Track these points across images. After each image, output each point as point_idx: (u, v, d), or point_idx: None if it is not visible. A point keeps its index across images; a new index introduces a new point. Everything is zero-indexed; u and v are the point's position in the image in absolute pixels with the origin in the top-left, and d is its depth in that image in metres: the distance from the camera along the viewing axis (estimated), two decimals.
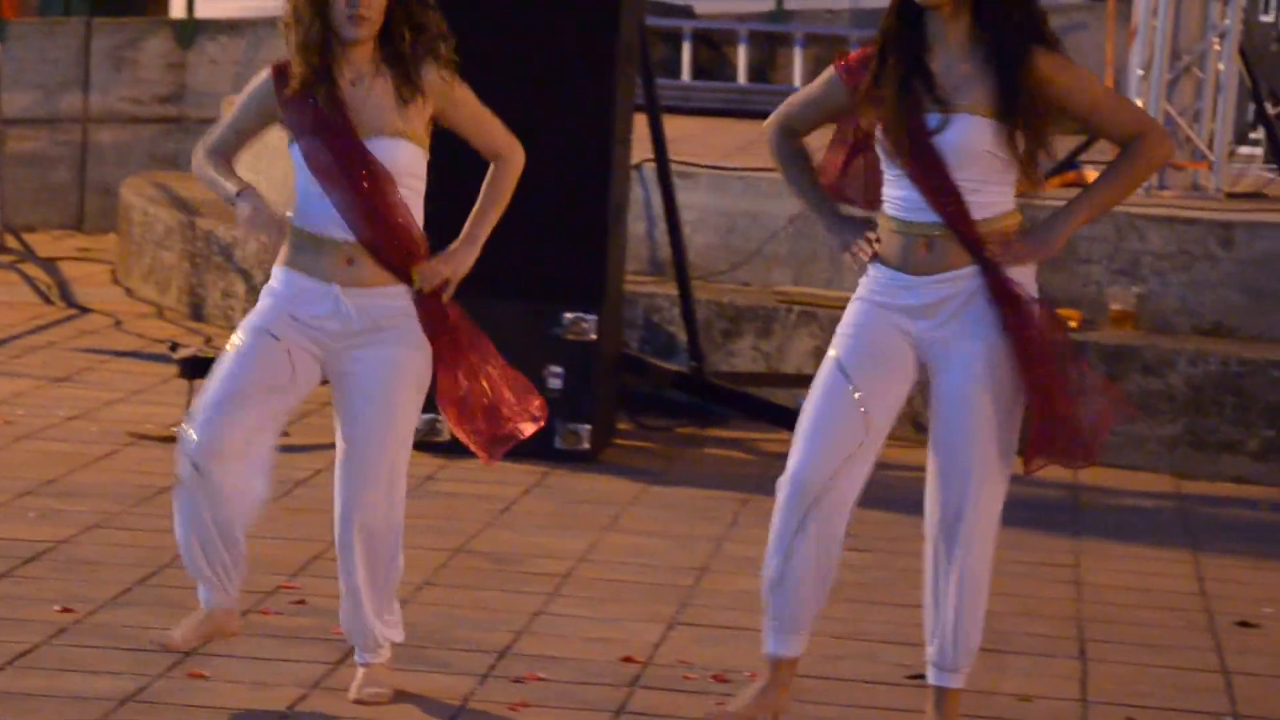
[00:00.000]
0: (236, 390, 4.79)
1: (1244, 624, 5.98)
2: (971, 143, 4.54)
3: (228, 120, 4.93)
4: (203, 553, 4.87)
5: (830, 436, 4.64)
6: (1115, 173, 4.64)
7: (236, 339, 4.86)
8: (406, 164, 4.80)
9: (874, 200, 4.73)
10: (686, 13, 13.01)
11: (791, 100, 4.82)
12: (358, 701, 4.90)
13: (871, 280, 4.68)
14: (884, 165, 4.63)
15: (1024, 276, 4.64)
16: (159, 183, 11.13)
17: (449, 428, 5.48)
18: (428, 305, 4.83)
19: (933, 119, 4.54)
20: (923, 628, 4.77)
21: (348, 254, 4.79)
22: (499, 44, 7.45)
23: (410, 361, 4.84)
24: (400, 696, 4.96)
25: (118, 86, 12.33)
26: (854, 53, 4.71)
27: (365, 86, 4.77)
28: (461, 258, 4.88)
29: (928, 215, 4.58)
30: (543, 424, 4.94)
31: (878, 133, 4.61)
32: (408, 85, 4.77)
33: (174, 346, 9.22)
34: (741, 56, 12.68)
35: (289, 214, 4.86)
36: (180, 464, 4.85)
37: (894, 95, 4.54)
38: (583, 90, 7.49)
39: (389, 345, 4.82)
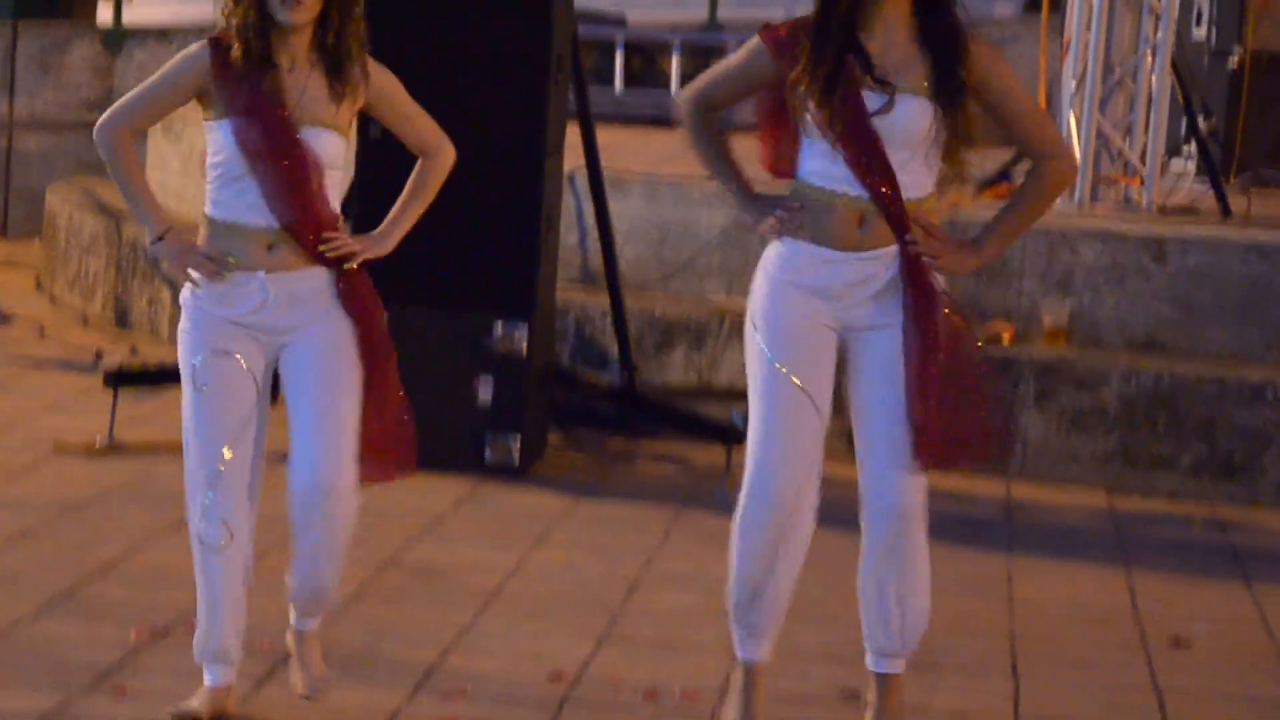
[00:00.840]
0: (221, 437, 4.74)
1: (1176, 641, 5.99)
2: (911, 124, 4.54)
3: (146, 88, 4.82)
4: (231, 621, 4.81)
5: (791, 441, 4.62)
6: (1030, 196, 4.71)
7: (191, 372, 4.76)
8: (333, 155, 4.78)
9: (786, 171, 4.69)
10: (619, 22, 13.00)
11: (710, 73, 4.78)
12: (307, 698, 4.85)
13: (783, 258, 4.64)
14: (806, 139, 4.61)
15: (936, 277, 4.63)
16: (85, 189, 11.04)
17: None
18: (346, 288, 4.79)
19: (874, 98, 4.54)
20: (862, 629, 4.75)
21: (268, 240, 4.76)
22: (432, 53, 7.42)
23: (343, 331, 4.81)
24: (327, 712, 4.91)
25: (44, 91, 12.24)
26: (781, 24, 4.68)
27: (301, 75, 4.76)
28: (375, 242, 4.87)
29: (858, 189, 4.57)
30: (397, 477, 4.89)
31: (807, 106, 4.57)
32: (339, 77, 4.77)
33: (99, 355, 9.15)
34: (674, 66, 12.67)
35: (199, 235, 4.81)
36: (207, 527, 4.76)
37: (831, 73, 4.53)
38: (515, 100, 7.47)
39: (321, 322, 4.80)
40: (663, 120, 11.74)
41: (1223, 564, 6.95)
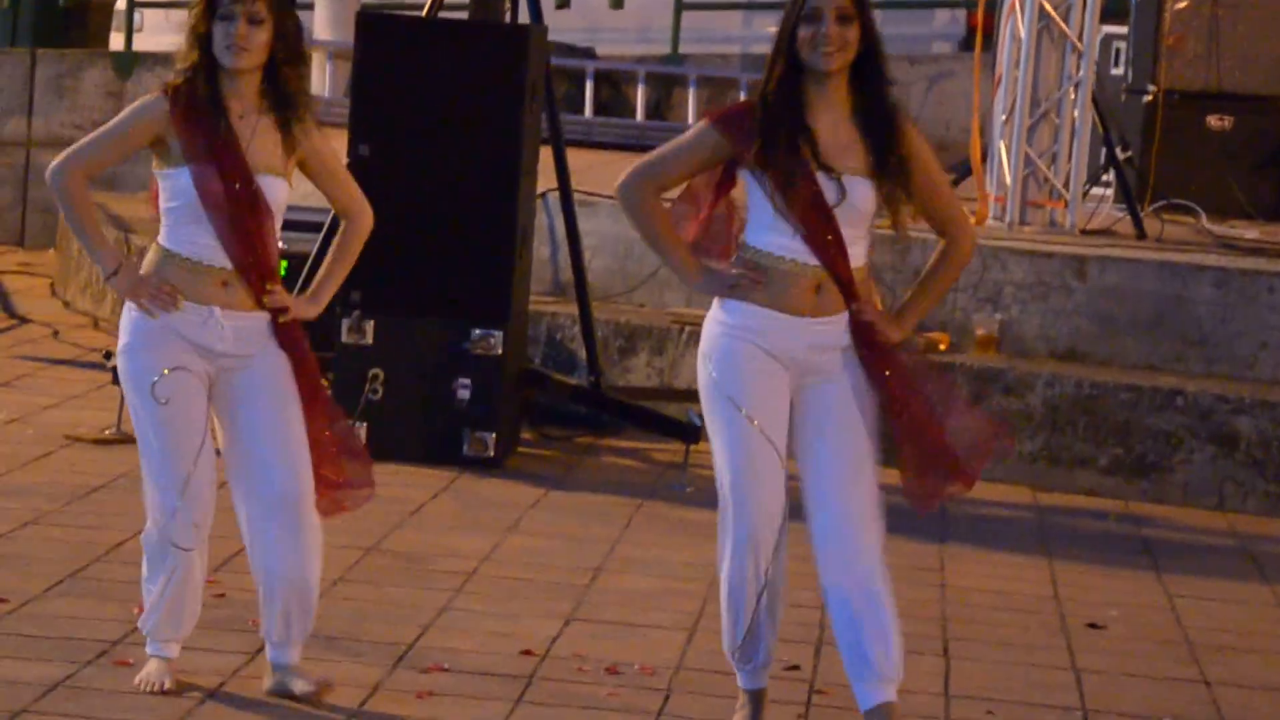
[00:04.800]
0: (186, 446, 4.66)
1: (1093, 625, 5.99)
2: (861, 205, 4.50)
3: (106, 132, 4.71)
4: (185, 607, 4.77)
5: (764, 488, 4.51)
6: (945, 270, 4.65)
7: (152, 386, 4.65)
8: (281, 201, 4.69)
9: (729, 249, 4.60)
10: (589, 54, 12.98)
11: (658, 154, 4.61)
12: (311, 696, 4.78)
13: (739, 319, 4.53)
14: (759, 212, 4.51)
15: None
16: (95, 203, 10.96)
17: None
18: (283, 329, 4.71)
19: (828, 184, 4.47)
20: (848, 676, 4.61)
21: (223, 278, 4.65)
22: (417, 81, 7.41)
23: (285, 366, 4.71)
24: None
25: (59, 113, 12.18)
26: (724, 107, 4.62)
27: (250, 121, 4.64)
28: (306, 304, 4.76)
29: (815, 260, 4.52)
30: (350, 507, 4.80)
31: (765, 189, 4.48)
32: (286, 124, 4.65)
33: (108, 355, 9.09)
34: (639, 95, 12.66)
35: (148, 260, 4.70)
36: (180, 531, 4.69)
37: (787, 160, 4.45)
38: (492, 124, 7.46)
39: (267, 356, 4.71)
40: (629, 145, 11.72)
41: (1135, 555, 6.96)
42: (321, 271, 4.84)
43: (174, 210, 4.67)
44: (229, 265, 4.64)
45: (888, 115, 4.49)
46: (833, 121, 4.50)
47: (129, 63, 12.35)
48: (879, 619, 4.55)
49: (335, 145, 4.87)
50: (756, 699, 4.71)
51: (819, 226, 4.48)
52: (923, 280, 4.70)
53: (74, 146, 4.76)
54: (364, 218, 4.84)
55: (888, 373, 4.53)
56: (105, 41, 13.36)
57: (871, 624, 4.54)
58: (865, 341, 4.55)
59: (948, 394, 4.63)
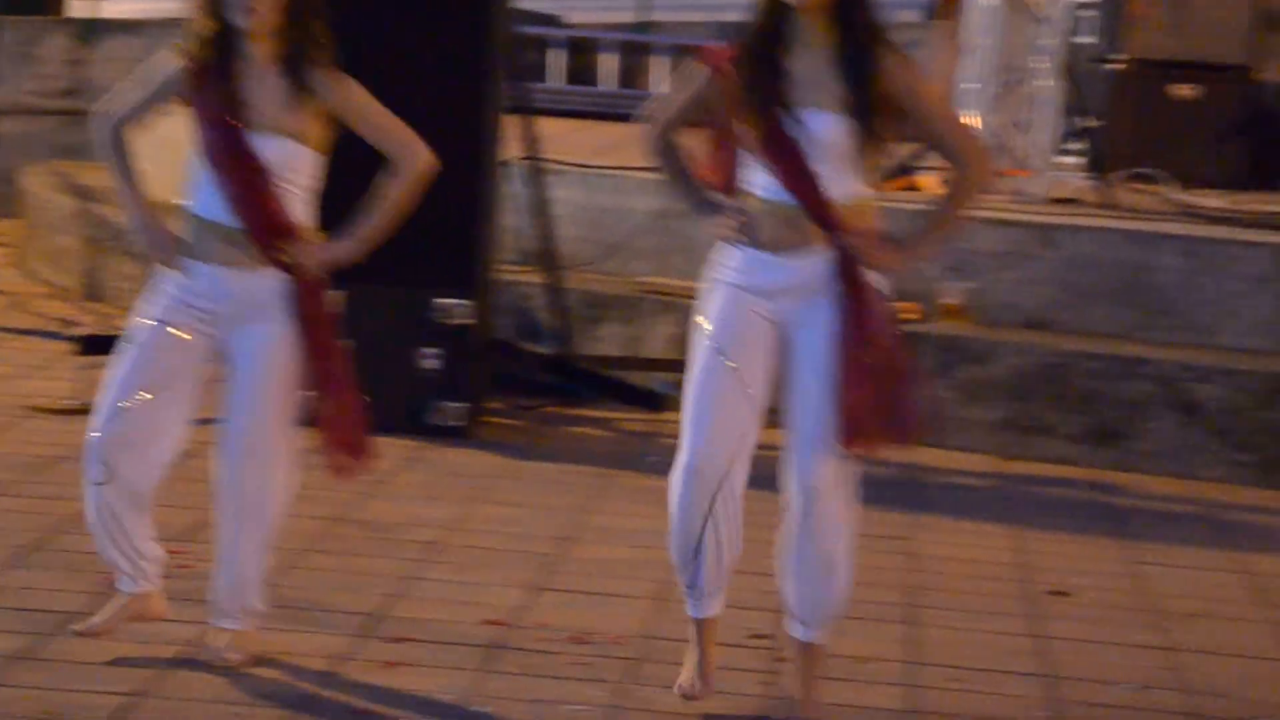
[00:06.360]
0: (136, 383, 4.70)
1: (1057, 592, 6.03)
2: (824, 137, 4.52)
3: (142, 91, 4.75)
4: (113, 543, 4.78)
5: (720, 417, 4.57)
6: (949, 199, 4.67)
7: (132, 331, 4.75)
8: (288, 162, 4.69)
9: (735, 186, 4.68)
10: (558, 22, 12.96)
11: (667, 100, 4.74)
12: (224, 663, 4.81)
13: (731, 261, 4.63)
14: (746, 153, 4.60)
15: (874, 274, 4.62)
16: (59, 171, 10.93)
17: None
18: (300, 291, 4.73)
19: (791, 114, 4.52)
20: (784, 597, 4.69)
21: (226, 235, 4.70)
22: (381, 49, 7.37)
23: (287, 338, 4.75)
24: (280, 654, 4.89)
25: (22, 80, 12.12)
26: (721, 50, 4.66)
27: (260, 82, 4.68)
28: (336, 248, 4.77)
29: (787, 196, 4.55)
30: (358, 469, 4.82)
31: (741, 125, 4.56)
32: (299, 86, 4.67)
33: (71, 323, 9.07)
34: (609, 63, 12.64)
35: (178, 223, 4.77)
36: (88, 460, 4.73)
37: (756, 91, 4.51)
38: (458, 92, 7.44)
39: (267, 322, 4.73)
40: (598, 114, 11.72)
41: (1101, 522, 6.99)
42: (360, 217, 4.78)
43: (193, 168, 4.73)
44: (233, 223, 4.67)
45: (864, 50, 4.50)
46: (810, 58, 4.54)
47: (92, 30, 12.29)
48: (832, 561, 4.58)
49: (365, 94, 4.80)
50: (700, 628, 4.75)
51: (785, 161, 4.52)
52: (937, 210, 4.71)
53: (113, 109, 4.77)
54: (413, 160, 4.78)
55: (863, 315, 4.54)
56: (68, 8, 13.29)
57: (824, 564, 4.59)
58: (848, 278, 4.56)
59: (904, 353, 4.65)
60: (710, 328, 4.61)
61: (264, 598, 4.88)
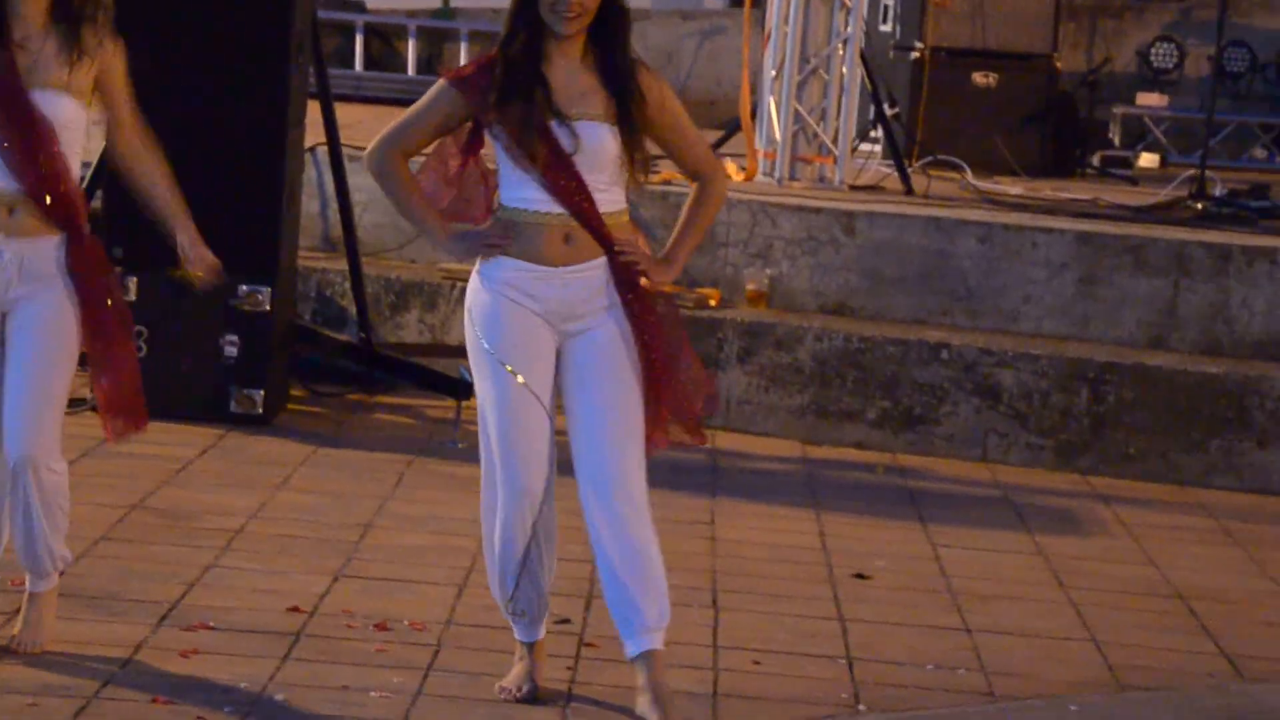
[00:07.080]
0: None
1: (859, 575, 6.10)
2: (599, 147, 4.54)
3: None
4: None
5: (529, 438, 4.56)
6: (700, 211, 4.72)
7: None
8: (67, 118, 4.64)
9: (487, 210, 4.64)
10: (359, 7, 12.86)
11: (400, 121, 4.63)
12: (10, 650, 4.73)
13: (500, 277, 4.58)
14: (506, 169, 4.56)
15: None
16: None
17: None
18: (75, 257, 4.66)
19: (560, 127, 4.51)
20: (615, 620, 4.64)
21: (9, 203, 4.62)
22: (180, 32, 7.28)
23: (66, 302, 4.66)
24: (74, 644, 4.81)
25: None
26: (462, 67, 4.65)
27: (37, 40, 4.62)
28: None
29: (560, 209, 4.55)
30: (131, 434, 4.77)
31: (504, 142, 4.53)
32: (73, 43, 4.63)
33: None
34: (411, 50, 12.58)
35: None
36: None
37: (523, 106, 4.50)
38: (259, 77, 7.36)
39: (47, 290, 4.65)
40: (400, 100, 11.64)
41: (901, 506, 7.09)
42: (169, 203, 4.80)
43: None
44: (16, 187, 4.59)
45: (622, 65, 4.55)
46: (569, 71, 4.55)
47: None
48: (646, 569, 4.60)
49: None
50: (534, 650, 4.75)
51: (558, 174, 4.52)
52: (683, 223, 4.76)
53: None
54: (130, 139, 4.76)
55: (650, 318, 4.58)
56: None
57: (639, 574, 4.59)
58: (628, 285, 4.59)
59: (684, 344, 4.69)
60: (492, 340, 4.57)
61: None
